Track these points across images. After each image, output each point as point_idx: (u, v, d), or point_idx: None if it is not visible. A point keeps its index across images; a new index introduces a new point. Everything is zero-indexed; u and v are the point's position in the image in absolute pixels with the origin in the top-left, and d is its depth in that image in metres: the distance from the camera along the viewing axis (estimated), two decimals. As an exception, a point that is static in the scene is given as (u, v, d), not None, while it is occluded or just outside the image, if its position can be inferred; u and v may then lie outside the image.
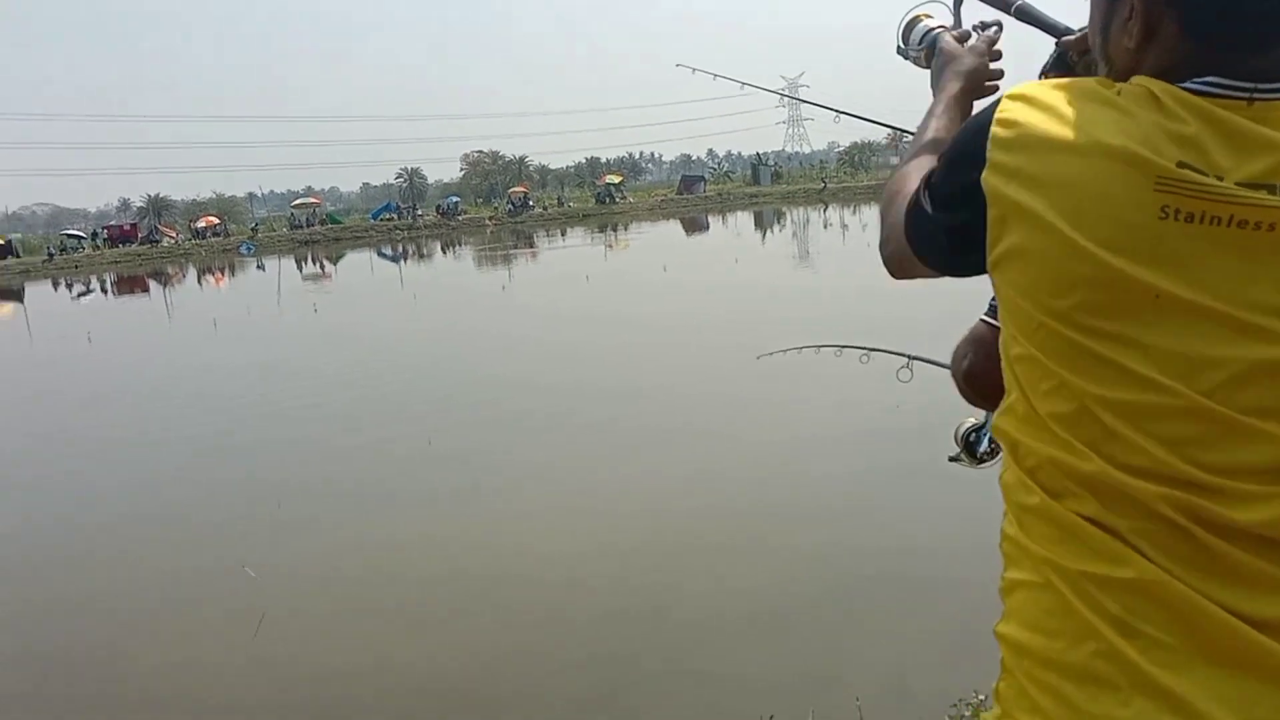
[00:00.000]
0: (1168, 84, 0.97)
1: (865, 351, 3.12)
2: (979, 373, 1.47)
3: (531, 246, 47.14)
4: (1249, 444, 0.94)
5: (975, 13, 1.56)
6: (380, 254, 50.21)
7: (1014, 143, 0.99)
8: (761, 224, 51.22)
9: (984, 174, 1.00)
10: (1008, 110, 1.01)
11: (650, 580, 6.45)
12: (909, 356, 2.74)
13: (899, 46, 1.64)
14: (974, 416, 2.07)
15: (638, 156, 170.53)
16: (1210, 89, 0.95)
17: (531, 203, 76.31)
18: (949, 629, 5.28)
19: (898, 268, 1.26)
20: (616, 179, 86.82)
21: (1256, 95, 0.94)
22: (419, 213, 71.16)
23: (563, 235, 52.94)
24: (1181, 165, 0.92)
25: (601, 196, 77.25)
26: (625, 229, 54.91)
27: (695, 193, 79.33)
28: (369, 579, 6.89)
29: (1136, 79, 1.00)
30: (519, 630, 5.88)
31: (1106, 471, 0.97)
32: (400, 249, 52.75)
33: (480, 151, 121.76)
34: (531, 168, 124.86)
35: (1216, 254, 0.93)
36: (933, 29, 1.57)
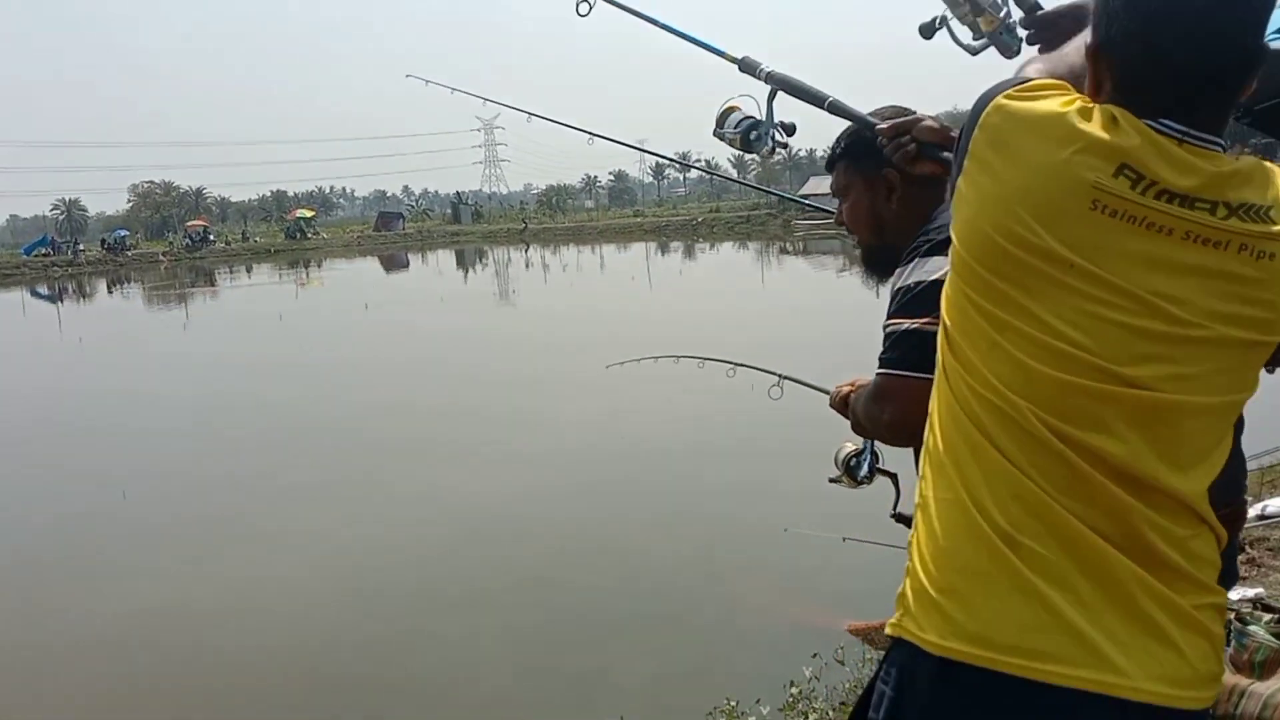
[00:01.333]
0: (1130, 114, 1.15)
1: (732, 366, 3.18)
2: (899, 420, 1.69)
3: (213, 284, 43.89)
4: (1121, 398, 1.14)
5: (786, 108, 1.86)
6: (35, 294, 45.07)
7: (1013, 115, 1.19)
8: (464, 262, 50.94)
9: (976, 132, 1.20)
10: (1029, 89, 1.20)
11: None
12: (780, 375, 2.87)
13: (715, 130, 1.94)
14: (851, 441, 2.26)
15: (329, 191, 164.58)
16: (1160, 127, 1.15)
17: (213, 237, 71.30)
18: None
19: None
20: (308, 213, 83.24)
21: (1186, 139, 1.15)
22: (80, 248, 64.30)
23: (248, 272, 49.80)
24: (1121, 169, 1.13)
25: (292, 232, 73.74)
26: (319, 266, 52.60)
27: (394, 230, 77.72)
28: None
29: (1105, 106, 1.17)
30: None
31: (1011, 401, 1.16)
32: (58, 288, 47.34)
33: (151, 182, 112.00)
34: (210, 200, 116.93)
35: (1123, 242, 1.13)
36: (745, 117, 1.88)
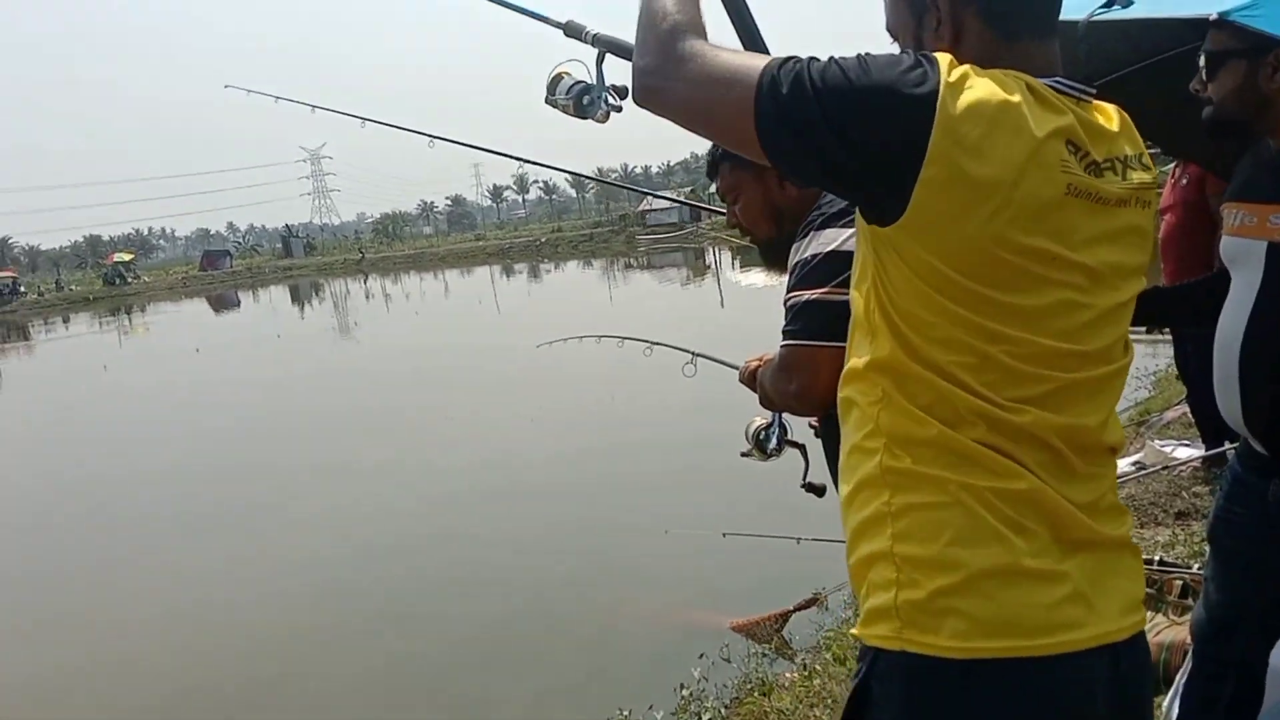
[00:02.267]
0: (1031, 78, 1.15)
1: (649, 345, 3.22)
2: (807, 389, 1.73)
3: (26, 338, 40.88)
4: (1092, 367, 1.20)
5: (618, 72, 1.74)
6: None
7: (970, 113, 1.09)
8: (299, 297, 49.16)
9: (934, 132, 1.08)
10: (957, 79, 1.10)
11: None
12: (693, 353, 2.91)
13: (547, 97, 1.82)
14: (761, 416, 2.30)
15: (147, 232, 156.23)
16: (1061, 87, 1.18)
17: (23, 289, 66.44)
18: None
19: (673, 96, 1.24)
20: (127, 257, 78.77)
21: (1083, 95, 1.20)
22: None
23: (65, 323, 46.61)
24: (1070, 148, 1.15)
25: (110, 277, 69.57)
26: (143, 311, 49.74)
27: (221, 268, 74.52)
28: None
29: (1010, 72, 1.15)
30: None
31: (1004, 405, 1.15)
32: None
33: None
34: (17, 249, 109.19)
35: (1087, 222, 1.16)
36: (576, 82, 1.77)
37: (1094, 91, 1.22)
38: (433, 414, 12.95)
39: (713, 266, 36.23)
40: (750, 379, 2.08)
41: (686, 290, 29.23)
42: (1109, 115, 1.24)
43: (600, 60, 1.78)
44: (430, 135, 3.16)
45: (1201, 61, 2.01)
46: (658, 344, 3.22)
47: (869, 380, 1.23)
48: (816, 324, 1.71)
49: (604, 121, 1.75)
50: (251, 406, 15.68)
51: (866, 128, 1.11)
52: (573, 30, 1.84)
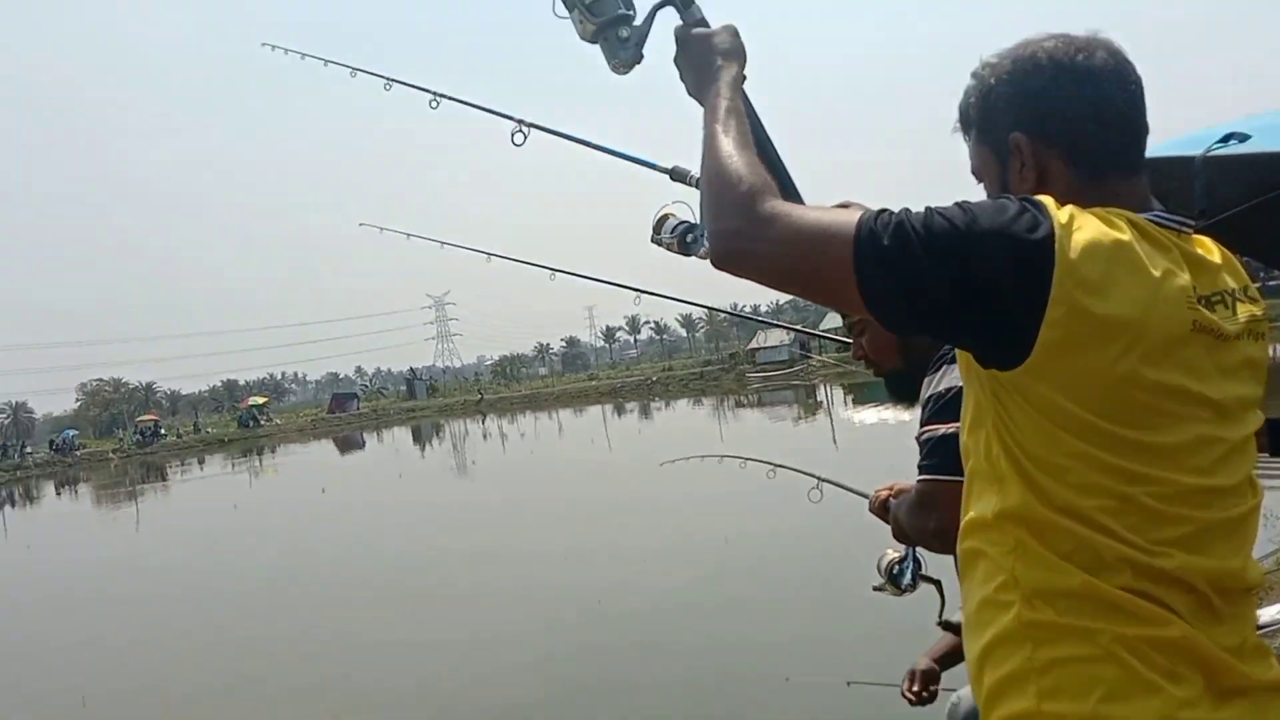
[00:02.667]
0: (1132, 214, 1.16)
1: (773, 467, 3.22)
2: (946, 526, 1.60)
3: (164, 479, 42.94)
4: (1230, 506, 1.17)
5: None
6: (-21, 501, 43.48)
7: (1088, 253, 1.08)
8: (420, 438, 50.53)
9: (1055, 275, 1.07)
10: (1067, 219, 1.10)
11: None
12: (819, 478, 2.88)
13: (652, 236, 1.91)
14: (893, 549, 2.25)
15: (280, 377, 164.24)
16: (1160, 221, 1.18)
17: (163, 431, 70.31)
18: None
19: (763, 257, 1.23)
20: (261, 400, 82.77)
21: (1183, 228, 1.20)
22: (28, 450, 63.03)
23: (200, 464, 48.85)
24: (1190, 283, 1.15)
25: (244, 420, 73.04)
26: (273, 453, 51.85)
27: (348, 410, 77.41)
28: None
29: (1111, 209, 1.15)
30: None
31: (1149, 549, 1.11)
32: (5, 494, 45.99)
33: (100, 380, 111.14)
34: (160, 394, 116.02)
35: (1209, 357, 1.15)
36: (680, 222, 1.84)
37: (1192, 224, 1.22)
38: (547, 548, 12.95)
39: (824, 403, 35.90)
40: (881, 509, 2.06)
41: (799, 426, 28.91)
42: (1209, 248, 1.24)
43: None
44: (551, 268, 3.33)
45: None
46: (782, 466, 3.20)
47: (1000, 530, 1.18)
48: (954, 459, 1.69)
49: (706, 257, 1.79)
50: (370, 543, 16.00)
51: (984, 276, 1.09)
52: (678, 175, 1.93)
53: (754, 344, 68.61)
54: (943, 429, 1.74)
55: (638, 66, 1.62)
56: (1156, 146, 2.54)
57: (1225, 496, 1.16)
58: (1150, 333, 1.09)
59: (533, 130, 2.25)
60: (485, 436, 45.37)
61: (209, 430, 72.98)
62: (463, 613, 10.26)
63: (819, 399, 39.20)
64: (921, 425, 1.80)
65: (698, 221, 1.82)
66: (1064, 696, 1.10)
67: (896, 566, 2.31)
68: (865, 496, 2.20)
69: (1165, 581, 1.11)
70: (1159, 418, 1.12)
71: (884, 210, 1.16)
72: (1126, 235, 1.11)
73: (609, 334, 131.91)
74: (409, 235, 3.69)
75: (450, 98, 2.76)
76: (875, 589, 2.36)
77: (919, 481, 1.77)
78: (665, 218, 1.94)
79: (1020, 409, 1.14)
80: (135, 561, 18.16)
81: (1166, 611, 1.10)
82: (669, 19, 1.57)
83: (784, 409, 37.92)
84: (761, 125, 1.54)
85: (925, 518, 1.76)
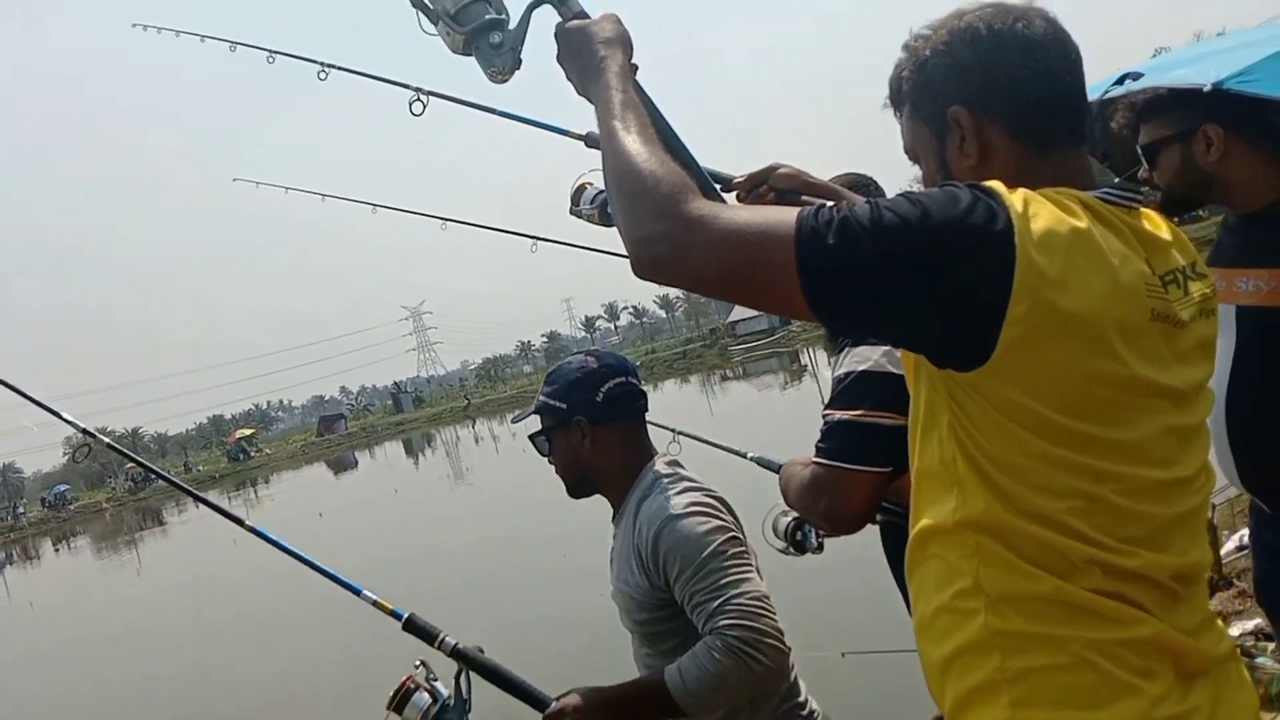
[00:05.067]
0: (1082, 193, 1.11)
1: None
2: (835, 512, 1.72)
3: (161, 523, 42.68)
4: (1189, 497, 1.15)
5: None
6: (-26, 565, 43.14)
7: (1046, 245, 1.02)
8: (413, 450, 50.42)
9: (1017, 270, 1.01)
10: (1022, 208, 1.04)
11: None
12: (675, 431, 2.75)
13: (571, 208, 1.85)
14: (782, 509, 2.22)
15: (265, 406, 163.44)
16: (1110, 198, 1.13)
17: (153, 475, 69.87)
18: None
19: (693, 264, 1.12)
20: (248, 432, 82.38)
21: (1133, 204, 1.15)
22: (20, 511, 62.62)
23: (196, 504, 48.29)
24: (1148, 267, 1.11)
25: (234, 454, 72.67)
26: (266, 482, 51.65)
27: (337, 432, 77.25)
28: None
29: (1061, 190, 1.10)
30: None
31: (1116, 548, 1.07)
32: (3, 555, 45.62)
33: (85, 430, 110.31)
34: (147, 438, 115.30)
35: (1166, 345, 1.11)
36: (599, 191, 1.77)
37: (1142, 197, 1.17)
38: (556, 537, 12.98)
39: (809, 366, 35.98)
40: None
41: (785, 394, 29.00)
42: (1158, 224, 1.19)
43: None
44: (442, 218, 3.22)
45: (1140, 154, 2.07)
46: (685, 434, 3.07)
47: (959, 534, 1.12)
48: (845, 446, 1.70)
49: None
50: (377, 558, 15.99)
51: (940, 274, 1.02)
52: (593, 141, 1.77)
53: (732, 316, 68.74)
54: (838, 414, 1.72)
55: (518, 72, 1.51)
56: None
57: (1185, 488, 1.14)
58: (1112, 325, 1.04)
59: (432, 99, 2.09)
60: (477, 440, 45.36)
61: (200, 468, 72.54)
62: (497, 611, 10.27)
63: (803, 363, 39.27)
64: (825, 405, 1.79)
65: None
66: (1038, 706, 1.07)
67: (798, 530, 2.30)
68: (723, 448, 2.27)
69: (1133, 579, 1.08)
70: (1124, 412, 1.08)
71: (822, 206, 1.07)
72: (1083, 221, 1.06)
73: (589, 324, 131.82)
74: (287, 189, 3.52)
75: (340, 67, 2.60)
76: (781, 552, 2.33)
77: (813, 462, 1.75)
78: (583, 188, 1.88)
79: (980, 410, 1.07)
80: (140, 608, 18.07)
81: (1138, 610, 1.08)
82: (549, 17, 1.46)
83: (770, 377, 37.99)
84: (663, 117, 1.41)
85: (815, 499, 1.75)
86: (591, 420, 2.03)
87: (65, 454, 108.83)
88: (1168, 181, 2.04)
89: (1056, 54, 1.17)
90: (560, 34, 1.41)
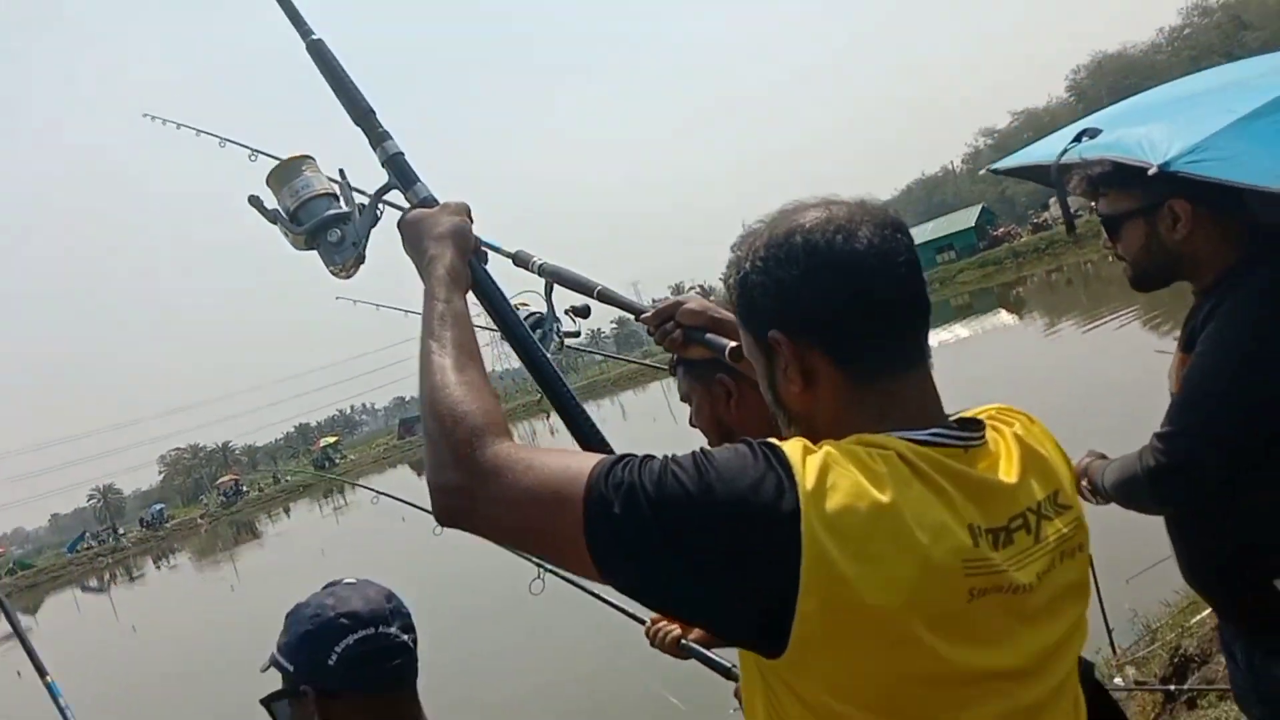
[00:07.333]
0: (908, 442, 0.98)
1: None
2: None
3: (255, 535, 44.02)
4: None
5: (565, 298, 1.72)
6: (85, 588, 45.06)
7: (840, 529, 0.91)
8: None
9: (804, 559, 0.90)
10: (815, 482, 0.92)
11: None
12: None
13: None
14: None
15: (349, 410, 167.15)
16: (939, 440, 1.01)
17: (245, 488, 72.20)
18: None
19: (486, 521, 1.06)
20: (332, 439, 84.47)
21: (969, 444, 1.03)
22: (120, 532, 65.20)
23: (287, 514, 50.03)
24: (969, 532, 0.96)
25: (319, 462, 74.38)
26: (353, 489, 52.81)
27: (417, 433, 78.33)
28: None
29: (877, 441, 0.98)
30: None
31: None
32: (107, 576, 47.61)
33: (178, 449, 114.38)
34: (237, 451, 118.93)
35: (1002, 616, 0.97)
36: (531, 313, 1.69)
37: (981, 434, 1.05)
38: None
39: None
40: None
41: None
42: (1001, 459, 1.06)
43: (549, 290, 1.70)
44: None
45: (1102, 225, 1.93)
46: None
47: None
48: None
49: (558, 353, 1.68)
50: (466, 565, 16.18)
51: (725, 558, 0.92)
52: (521, 260, 1.74)
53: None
54: None
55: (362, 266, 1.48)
56: (1034, 147, 2.32)
57: None
58: (920, 618, 0.91)
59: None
60: (553, 433, 45.60)
61: (288, 479, 74.63)
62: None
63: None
64: None
65: (546, 313, 1.71)
66: None
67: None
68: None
69: None
70: (948, 709, 0.95)
71: (621, 459, 0.99)
72: (887, 494, 0.93)
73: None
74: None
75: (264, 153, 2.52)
76: None
77: None
78: (515, 309, 1.80)
79: (791, 702, 0.97)
80: (235, 628, 18.64)
81: None
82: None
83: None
84: (506, 300, 1.39)
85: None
86: (320, 693, 1.49)
87: (160, 471, 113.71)
88: (1134, 257, 1.90)
89: (880, 270, 1.04)
90: (400, 226, 1.39)
